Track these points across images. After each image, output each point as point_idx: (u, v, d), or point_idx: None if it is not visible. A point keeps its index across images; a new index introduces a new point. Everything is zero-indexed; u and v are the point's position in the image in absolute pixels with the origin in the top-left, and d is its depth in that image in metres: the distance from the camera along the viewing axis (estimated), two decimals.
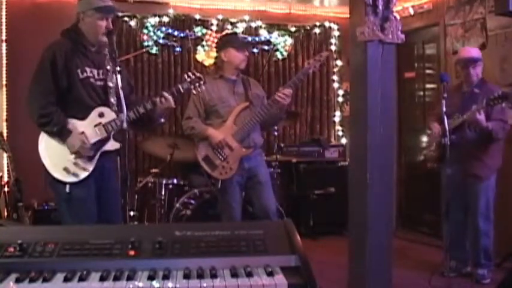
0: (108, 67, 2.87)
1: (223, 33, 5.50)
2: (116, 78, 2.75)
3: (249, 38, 5.85)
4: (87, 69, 2.86)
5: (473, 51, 4.06)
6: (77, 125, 2.83)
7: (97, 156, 2.85)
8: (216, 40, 5.75)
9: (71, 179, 2.79)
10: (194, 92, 3.21)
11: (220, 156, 3.66)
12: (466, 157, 3.84)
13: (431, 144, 4.15)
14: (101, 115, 2.87)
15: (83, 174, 2.81)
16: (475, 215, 3.91)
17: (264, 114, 3.66)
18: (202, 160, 3.73)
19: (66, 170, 2.79)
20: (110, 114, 2.87)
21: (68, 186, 2.77)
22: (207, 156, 3.72)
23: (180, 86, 3.10)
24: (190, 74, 3.16)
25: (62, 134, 2.78)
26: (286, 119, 4.65)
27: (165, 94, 3.00)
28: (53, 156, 2.81)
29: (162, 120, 3.17)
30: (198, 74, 3.17)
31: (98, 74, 2.90)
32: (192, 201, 4.58)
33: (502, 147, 3.94)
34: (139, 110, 2.92)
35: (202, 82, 3.15)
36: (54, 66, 2.78)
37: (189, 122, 3.77)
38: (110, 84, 2.88)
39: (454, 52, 5.20)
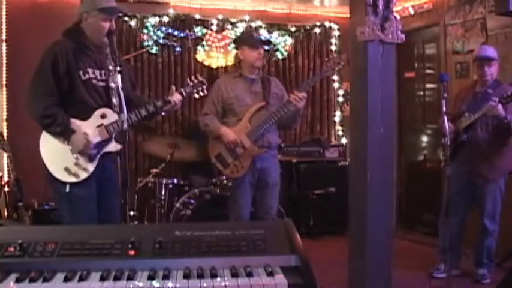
0: (110, 67, 2.86)
1: (224, 32, 5.53)
2: (117, 79, 2.76)
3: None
4: (90, 70, 2.86)
5: (490, 50, 4.03)
6: (79, 125, 2.83)
7: (98, 157, 2.85)
8: (216, 40, 5.80)
9: (72, 179, 2.79)
10: (197, 96, 3.23)
11: (233, 155, 3.69)
12: (476, 157, 3.82)
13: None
14: (103, 116, 2.87)
15: (84, 175, 2.81)
16: (482, 215, 3.91)
17: (280, 115, 3.66)
18: (215, 157, 3.76)
19: (67, 170, 2.79)
20: (111, 116, 2.87)
21: (68, 186, 2.78)
22: (219, 154, 3.74)
23: (183, 90, 3.13)
24: (193, 78, 3.19)
25: (65, 133, 2.78)
26: None
27: (178, 95, 3.05)
28: (54, 156, 2.81)
29: (164, 113, 3.24)
30: (200, 78, 3.22)
31: (100, 75, 2.89)
32: (192, 201, 4.58)
33: None
34: (142, 113, 2.94)
35: (204, 87, 3.20)
36: (56, 67, 2.78)
37: (205, 118, 3.80)
38: (112, 84, 2.87)
39: (454, 52, 5.21)
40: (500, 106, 3.57)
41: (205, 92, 3.24)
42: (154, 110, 2.98)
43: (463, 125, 3.84)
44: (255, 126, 3.67)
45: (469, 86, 4.17)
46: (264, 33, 5.97)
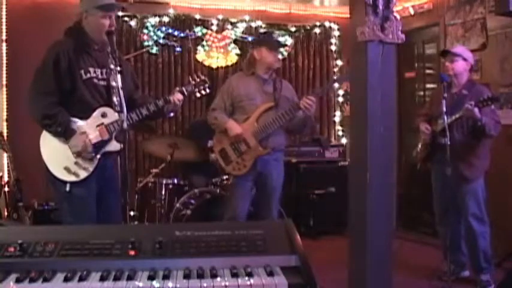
0: (112, 66, 2.86)
1: (224, 32, 5.50)
2: (118, 78, 2.76)
3: (249, 38, 5.86)
4: (91, 70, 2.85)
5: (459, 48, 4.02)
6: (80, 125, 2.83)
7: (98, 157, 2.85)
8: (216, 40, 5.80)
9: (72, 178, 2.79)
10: (198, 95, 3.23)
11: (237, 152, 3.69)
12: (454, 159, 3.78)
13: (420, 144, 4.15)
14: (104, 115, 2.86)
15: (84, 174, 2.81)
16: (467, 217, 3.85)
17: (288, 117, 3.65)
18: (218, 152, 3.76)
19: (67, 169, 2.79)
20: (112, 115, 2.87)
21: (68, 185, 2.77)
22: (223, 150, 3.74)
23: (184, 89, 3.12)
24: (195, 76, 3.18)
25: (65, 134, 2.78)
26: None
27: (179, 95, 3.05)
28: (54, 155, 2.81)
29: (172, 114, 3.22)
30: (202, 77, 3.20)
31: (101, 74, 2.89)
32: (192, 201, 4.57)
33: (490, 149, 3.87)
34: (143, 112, 2.94)
35: (206, 85, 3.19)
36: (57, 67, 2.77)
37: (213, 112, 3.81)
38: (113, 83, 2.87)
39: None
40: (476, 109, 3.57)
41: (207, 90, 3.22)
42: (156, 109, 2.98)
43: (439, 127, 3.83)
44: (262, 126, 3.67)
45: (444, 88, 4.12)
46: None
